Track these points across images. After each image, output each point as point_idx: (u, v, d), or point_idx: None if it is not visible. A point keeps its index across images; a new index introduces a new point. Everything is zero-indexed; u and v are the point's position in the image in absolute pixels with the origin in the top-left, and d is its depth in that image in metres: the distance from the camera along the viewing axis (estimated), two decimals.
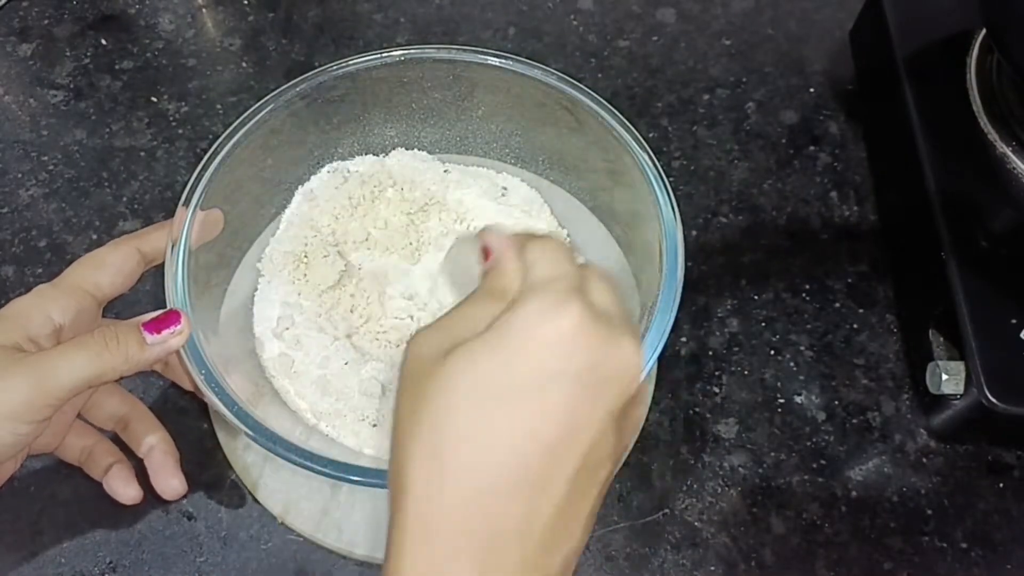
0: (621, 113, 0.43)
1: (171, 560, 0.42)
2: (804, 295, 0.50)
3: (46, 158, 0.54)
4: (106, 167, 0.54)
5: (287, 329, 0.44)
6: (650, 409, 0.46)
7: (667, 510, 0.44)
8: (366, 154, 0.50)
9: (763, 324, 0.49)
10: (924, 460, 0.45)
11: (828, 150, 0.55)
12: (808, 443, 0.46)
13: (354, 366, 0.43)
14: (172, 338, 0.36)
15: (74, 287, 0.37)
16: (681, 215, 0.41)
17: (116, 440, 0.41)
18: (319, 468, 0.35)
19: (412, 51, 0.46)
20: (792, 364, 0.48)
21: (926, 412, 0.46)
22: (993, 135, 0.47)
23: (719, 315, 0.49)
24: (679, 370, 0.47)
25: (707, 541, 0.43)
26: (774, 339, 0.48)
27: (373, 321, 0.44)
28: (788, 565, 0.43)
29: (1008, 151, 0.47)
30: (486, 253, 0.32)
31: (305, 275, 0.45)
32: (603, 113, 0.44)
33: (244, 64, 0.58)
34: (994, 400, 0.40)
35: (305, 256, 0.46)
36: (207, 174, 0.41)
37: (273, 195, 0.48)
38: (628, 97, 0.57)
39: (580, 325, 0.27)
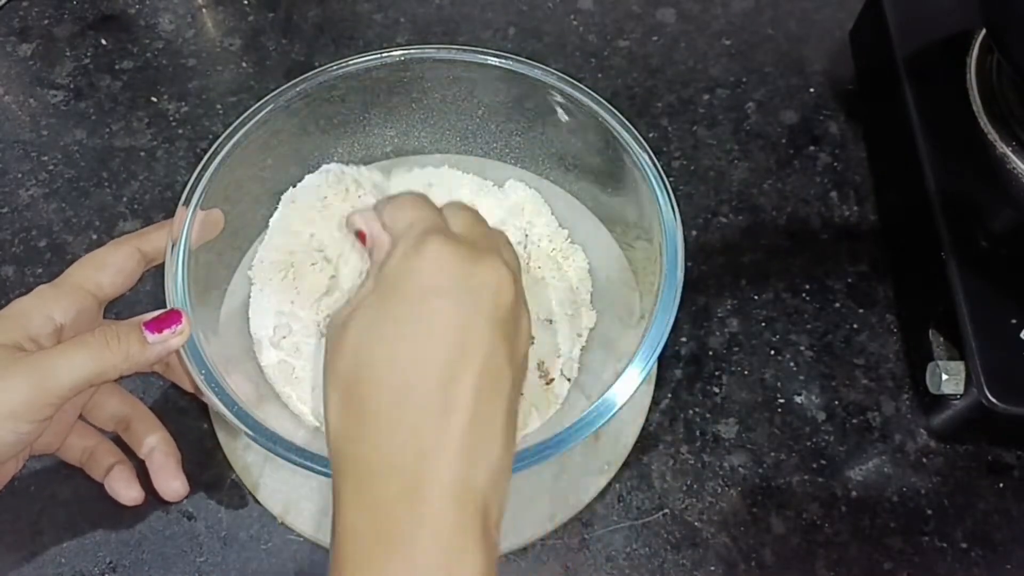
0: (621, 113, 0.43)
1: (171, 560, 0.42)
2: (804, 295, 0.50)
3: (46, 158, 0.54)
4: (106, 167, 0.54)
5: (284, 338, 0.43)
6: (650, 409, 0.46)
7: (667, 510, 0.44)
8: (366, 154, 0.50)
9: (763, 324, 0.49)
10: (924, 460, 0.45)
11: (828, 150, 0.55)
12: (808, 443, 0.46)
13: None
14: (173, 338, 0.36)
15: (75, 287, 0.37)
16: (681, 215, 0.41)
17: (117, 441, 0.41)
18: (319, 468, 0.35)
19: (412, 51, 0.46)
20: (792, 364, 0.48)
21: (926, 412, 0.46)
22: (993, 135, 0.47)
23: (719, 315, 0.49)
24: (679, 370, 0.47)
25: (707, 541, 0.43)
26: (774, 339, 0.48)
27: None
28: (788, 565, 0.43)
29: (1008, 151, 0.47)
30: (362, 237, 0.36)
31: (295, 286, 0.45)
32: (603, 113, 0.44)
33: (244, 64, 0.58)
34: (994, 400, 0.40)
35: (292, 265, 0.45)
36: (207, 174, 0.41)
37: (273, 195, 0.48)
38: (628, 97, 0.57)
39: (441, 251, 0.30)
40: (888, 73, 0.52)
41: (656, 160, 0.42)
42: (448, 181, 0.49)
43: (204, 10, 0.61)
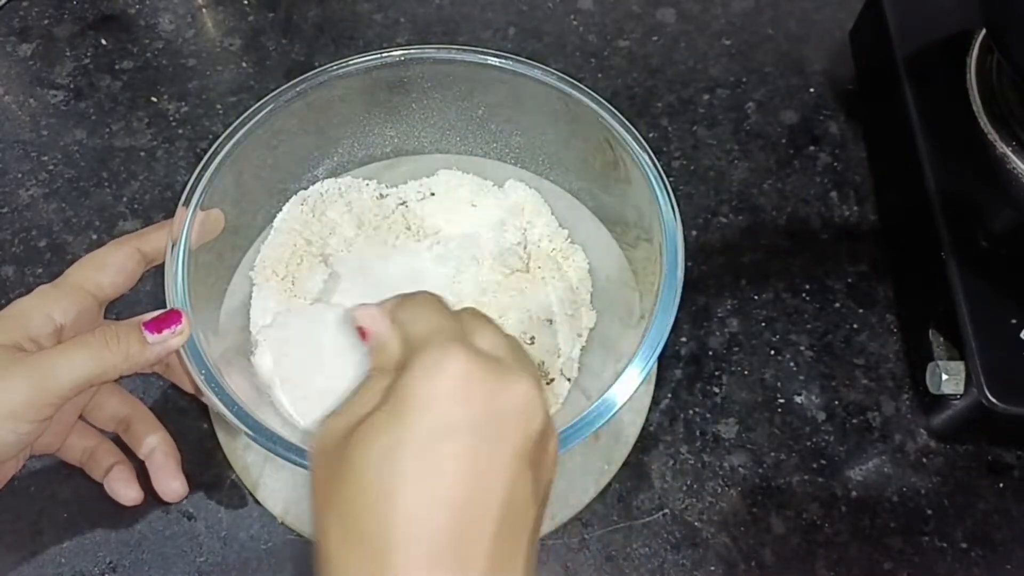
0: (621, 113, 0.43)
1: (171, 560, 0.42)
2: (804, 295, 0.50)
3: (46, 158, 0.54)
4: (106, 167, 0.54)
5: (281, 342, 0.43)
6: (650, 409, 0.46)
7: (667, 510, 0.44)
8: (366, 154, 0.50)
9: (763, 324, 0.49)
10: (924, 460, 0.45)
11: (828, 150, 0.55)
12: (808, 443, 0.46)
13: (351, 374, 0.42)
14: (173, 338, 0.36)
15: (75, 287, 0.37)
16: (681, 215, 0.41)
17: (117, 441, 0.41)
18: None
19: (412, 51, 0.46)
20: (792, 364, 0.48)
21: (926, 412, 0.46)
22: (993, 135, 0.47)
23: (719, 315, 0.49)
24: (679, 370, 0.47)
25: (707, 541, 0.43)
26: (774, 339, 0.48)
27: None
28: (788, 565, 0.43)
29: (1008, 151, 0.47)
30: (363, 333, 0.32)
31: (293, 286, 0.45)
32: (603, 113, 0.44)
33: (244, 64, 0.58)
34: (994, 400, 0.40)
35: (290, 265, 0.45)
36: (207, 174, 0.41)
37: (273, 195, 0.48)
38: (628, 97, 0.57)
39: (466, 371, 0.27)
40: (888, 73, 0.52)
41: (656, 160, 0.42)
42: (448, 181, 0.49)
43: (204, 10, 0.61)
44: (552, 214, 0.49)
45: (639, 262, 0.45)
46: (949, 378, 0.42)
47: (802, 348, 0.48)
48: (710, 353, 0.48)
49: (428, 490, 0.26)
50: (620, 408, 0.36)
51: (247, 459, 0.44)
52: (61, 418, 0.38)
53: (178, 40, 0.60)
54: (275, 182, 0.48)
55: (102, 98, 0.57)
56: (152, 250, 0.39)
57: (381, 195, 0.49)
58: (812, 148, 0.55)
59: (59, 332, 0.36)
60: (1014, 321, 0.42)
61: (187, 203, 0.40)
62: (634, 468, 0.45)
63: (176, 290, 0.38)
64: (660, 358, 0.38)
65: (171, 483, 0.39)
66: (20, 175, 0.54)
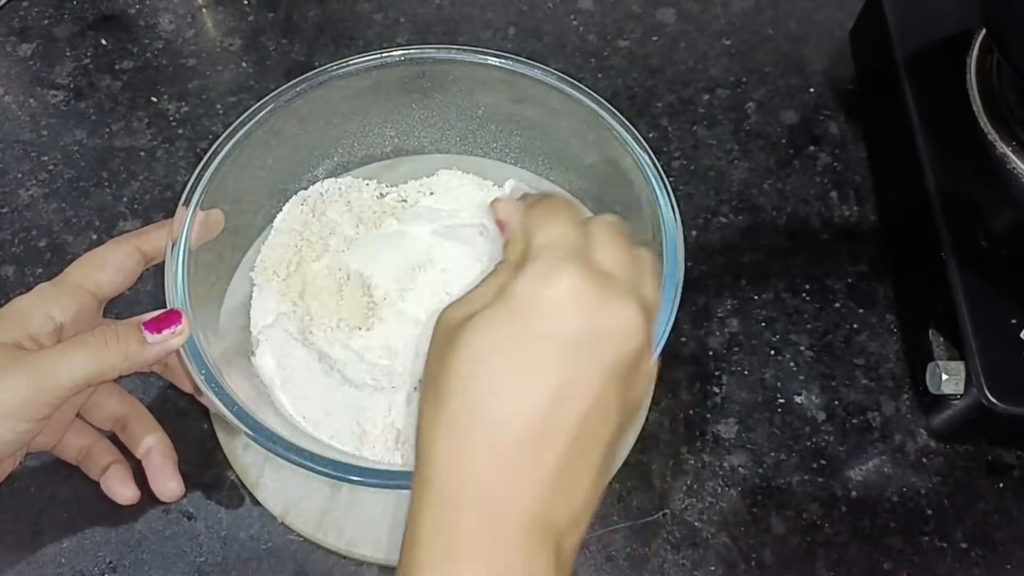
0: (621, 113, 0.43)
1: (171, 560, 0.42)
2: (804, 295, 0.50)
3: (46, 158, 0.54)
4: (106, 167, 0.54)
5: (281, 342, 0.43)
6: (650, 409, 0.46)
7: (667, 510, 0.44)
8: (366, 154, 0.50)
9: (763, 324, 0.49)
10: (924, 460, 0.45)
11: (828, 150, 0.55)
12: (808, 443, 0.46)
13: (349, 375, 0.42)
14: (172, 338, 0.36)
15: (75, 286, 0.37)
16: (681, 215, 0.41)
17: (115, 440, 0.41)
18: (319, 468, 0.35)
19: (412, 51, 0.46)
20: (792, 364, 0.48)
21: (926, 412, 0.46)
22: (993, 135, 0.47)
23: (719, 315, 0.49)
24: (679, 370, 0.47)
25: (707, 541, 0.43)
26: (774, 339, 0.48)
27: (364, 331, 0.44)
28: (788, 565, 0.43)
29: (1008, 151, 0.47)
30: (501, 225, 0.34)
31: (298, 285, 0.45)
32: (603, 113, 0.44)
33: (244, 64, 0.58)
34: (994, 400, 0.40)
35: (292, 265, 0.45)
36: (207, 174, 0.41)
37: (273, 195, 0.48)
38: (628, 97, 0.57)
39: (571, 289, 0.28)
40: (888, 73, 0.52)
41: (656, 160, 0.42)
42: (448, 181, 0.49)
43: (204, 10, 0.61)
44: None
45: None
46: (949, 378, 0.42)
47: (802, 348, 0.48)
48: (710, 353, 0.48)
49: (526, 384, 0.28)
50: None
51: (247, 459, 0.44)
52: (59, 416, 0.38)
53: (178, 40, 0.60)
54: (275, 182, 0.48)
55: (102, 98, 0.57)
56: (151, 249, 0.39)
57: (381, 195, 0.49)
58: (812, 148, 0.55)
59: (59, 331, 0.36)
60: (1014, 321, 0.42)
61: (187, 203, 0.40)
62: (634, 468, 0.45)
63: (176, 290, 0.38)
64: (660, 358, 0.38)
65: (168, 483, 0.39)
66: (20, 175, 0.54)
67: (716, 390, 0.47)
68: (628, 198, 0.44)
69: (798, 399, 0.47)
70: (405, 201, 0.49)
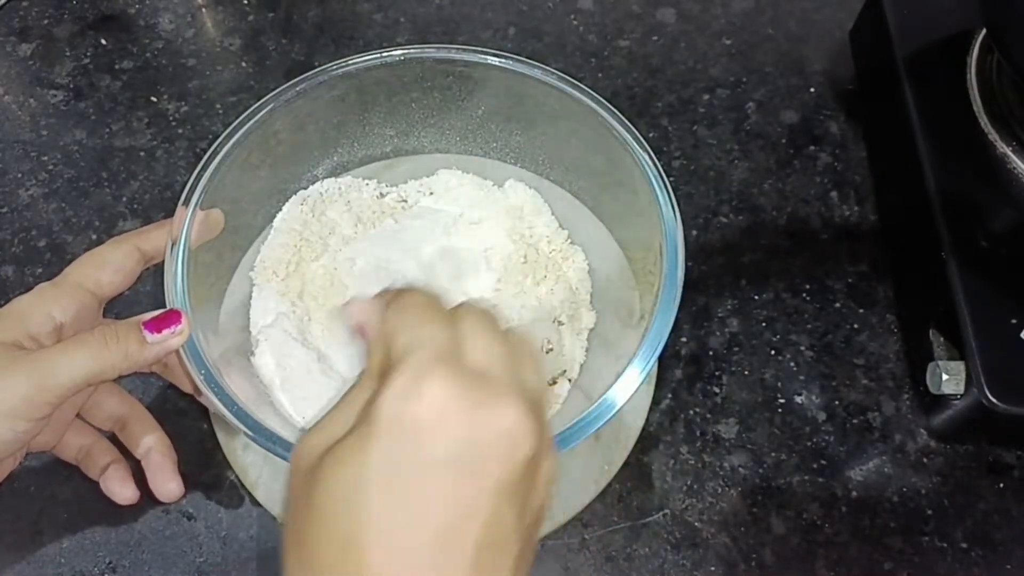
0: (621, 113, 0.43)
1: (171, 560, 0.42)
2: (804, 295, 0.50)
3: (46, 158, 0.54)
4: (106, 167, 0.54)
5: (281, 342, 0.43)
6: (650, 409, 0.46)
7: (667, 510, 0.44)
8: (366, 154, 0.50)
9: (763, 324, 0.49)
10: (924, 460, 0.45)
11: (828, 150, 0.55)
12: (808, 443, 0.46)
13: (348, 375, 0.42)
14: (172, 338, 0.36)
15: (75, 285, 0.37)
16: (681, 215, 0.41)
17: (115, 440, 0.41)
18: None
19: (412, 51, 0.46)
20: (792, 364, 0.48)
21: (926, 412, 0.46)
22: (993, 135, 0.47)
23: (719, 315, 0.49)
24: (679, 370, 0.47)
25: (707, 541, 0.43)
26: (774, 339, 0.48)
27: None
28: (788, 565, 0.43)
29: (1008, 151, 0.47)
30: (359, 330, 0.30)
31: (298, 285, 0.45)
32: (603, 113, 0.44)
33: (244, 64, 0.58)
34: (994, 400, 0.40)
35: (291, 265, 0.45)
36: (207, 174, 0.41)
37: (272, 195, 0.48)
38: (628, 97, 0.57)
39: (445, 398, 0.25)
40: (888, 73, 0.52)
41: (656, 160, 0.42)
42: (448, 181, 0.49)
43: (204, 10, 0.61)
44: (552, 214, 0.49)
45: (639, 262, 0.45)
46: (949, 378, 0.42)
47: (802, 348, 0.48)
48: (710, 353, 0.48)
49: (396, 532, 0.24)
50: (620, 408, 0.36)
51: (246, 459, 0.44)
52: (59, 416, 0.38)
53: (178, 40, 0.60)
54: (275, 182, 0.48)
55: (102, 98, 0.57)
56: (151, 248, 0.39)
57: (381, 195, 0.49)
58: (812, 148, 0.55)
59: (59, 330, 0.36)
60: (1014, 321, 0.42)
61: (187, 203, 0.40)
62: (634, 468, 0.45)
63: (176, 290, 0.38)
64: (660, 358, 0.38)
65: (167, 484, 0.39)
66: (20, 175, 0.54)
67: (716, 390, 0.47)
68: (628, 198, 0.44)
69: (798, 399, 0.47)
70: (405, 201, 0.49)
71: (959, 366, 0.42)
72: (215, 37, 0.60)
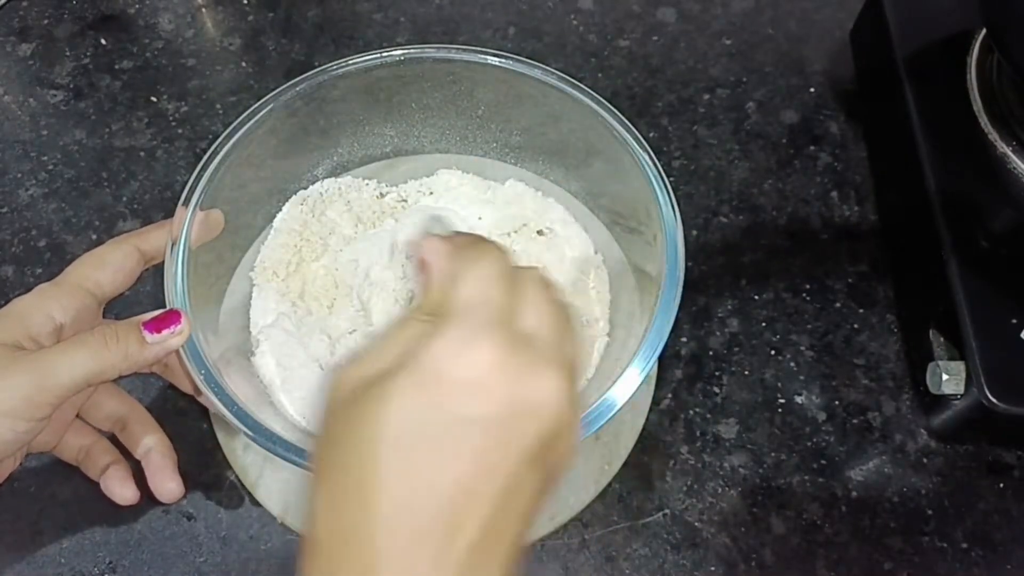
0: (621, 113, 0.43)
1: (171, 560, 0.42)
2: (804, 295, 0.50)
3: (46, 158, 0.54)
4: (106, 167, 0.54)
5: (281, 342, 0.43)
6: (650, 409, 0.46)
7: (667, 510, 0.44)
8: (366, 154, 0.50)
9: (763, 324, 0.49)
10: (924, 460, 0.45)
11: (828, 150, 0.55)
12: (808, 443, 0.46)
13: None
14: (172, 338, 0.36)
15: (75, 286, 0.37)
16: (681, 215, 0.41)
17: (114, 441, 0.41)
18: None
19: (412, 51, 0.46)
20: (792, 364, 0.48)
21: (926, 412, 0.46)
22: (993, 135, 0.47)
23: (719, 315, 0.49)
24: (679, 370, 0.47)
25: (707, 541, 0.43)
26: (774, 339, 0.48)
27: (364, 330, 0.44)
28: (788, 565, 0.43)
29: (1008, 151, 0.47)
30: (424, 265, 0.31)
31: (298, 285, 0.45)
32: (603, 113, 0.44)
33: (244, 64, 0.58)
34: (994, 400, 0.40)
35: (292, 265, 0.45)
36: (207, 174, 0.41)
37: (272, 195, 0.48)
38: (628, 97, 0.57)
39: (491, 364, 0.26)
40: (888, 73, 0.52)
41: (656, 160, 0.42)
42: (448, 181, 0.49)
43: (204, 10, 0.61)
44: (552, 214, 0.49)
45: (639, 262, 0.45)
46: (949, 378, 0.42)
47: (802, 348, 0.48)
48: (710, 353, 0.48)
49: (420, 480, 0.25)
50: (620, 408, 0.36)
51: (246, 459, 0.44)
52: (59, 416, 0.38)
53: (178, 40, 0.60)
54: (275, 182, 0.48)
55: (102, 98, 0.57)
56: (151, 249, 0.39)
57: (381, 194, 0.49)
58: (812, 148, 0.55)
59: (59, 331, 0.36)
60: (1014, 321, 0.42)
61: (187, 203, 0.40)
62: (634, 468, 0.45)
63: (176, 290, 0.38)
64: (660, 358, 0.38)
65: (167, 484, 0.39)
66: (20, 175, 0.54)
67: (716, 390, 0.47)
68: (628, 198, 0.44)
69: (798, 399, 0.47)
70: (405, 201, 0.49)
71: (959, 366, 0.42)
72: (215, 37, 0.60)
